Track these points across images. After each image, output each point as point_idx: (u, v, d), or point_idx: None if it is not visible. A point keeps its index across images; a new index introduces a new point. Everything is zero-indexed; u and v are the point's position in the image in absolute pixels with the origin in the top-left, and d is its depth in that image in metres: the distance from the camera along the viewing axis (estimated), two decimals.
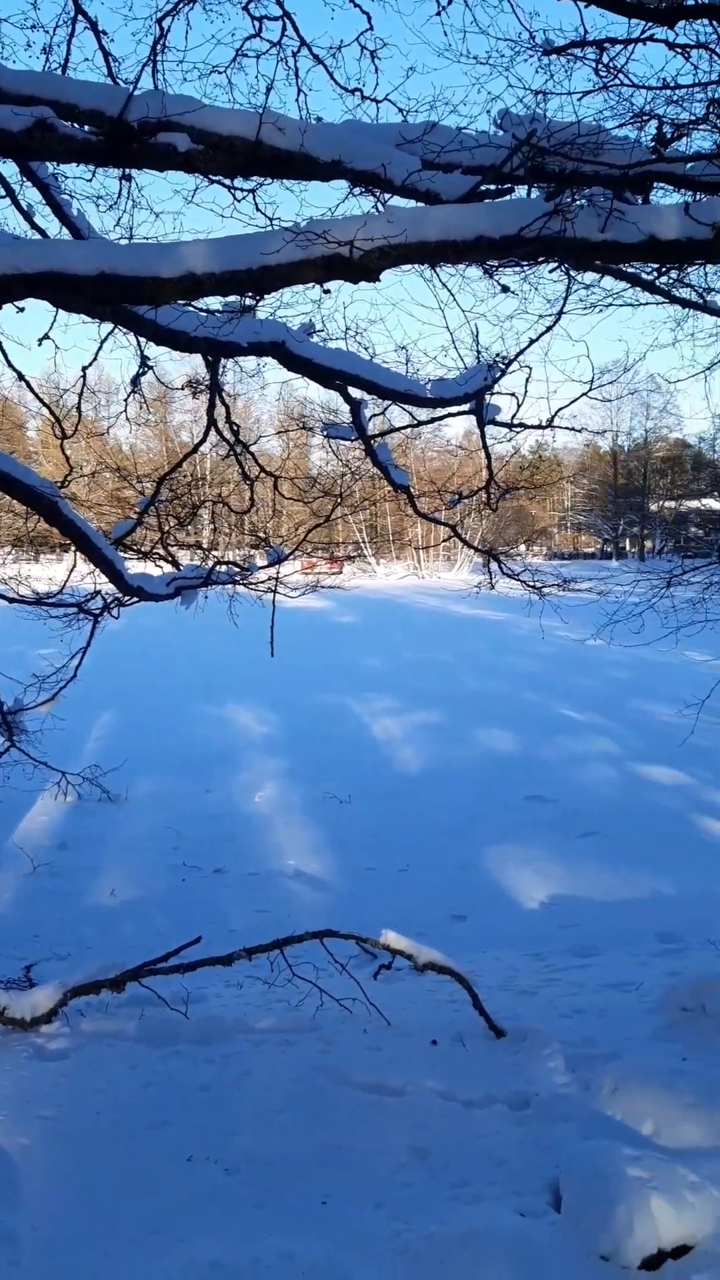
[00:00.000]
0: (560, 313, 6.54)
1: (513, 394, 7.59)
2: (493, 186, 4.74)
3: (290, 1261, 3.39)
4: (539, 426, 7.65)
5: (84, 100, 4.32)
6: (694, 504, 61.86)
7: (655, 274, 5.86)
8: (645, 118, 5.17)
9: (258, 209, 5.93)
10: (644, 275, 5.87)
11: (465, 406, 7.12)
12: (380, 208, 5.06)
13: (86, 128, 4.38)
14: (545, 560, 63.99)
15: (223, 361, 7.11)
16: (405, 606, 44.11)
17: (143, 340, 6.63)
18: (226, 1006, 6.06)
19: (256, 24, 6.04)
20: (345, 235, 3.91)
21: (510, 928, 8.35)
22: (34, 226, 6.52)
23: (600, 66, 4.78)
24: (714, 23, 4.15)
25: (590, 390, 7.40)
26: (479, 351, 6.79)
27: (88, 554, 6.65)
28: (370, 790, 12.81)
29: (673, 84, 5.07)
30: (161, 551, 8.09)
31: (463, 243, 4.06)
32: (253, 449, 8.70)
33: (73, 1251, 3.60)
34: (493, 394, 7.06)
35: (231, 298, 4.97)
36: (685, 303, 6.22)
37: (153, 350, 7.01)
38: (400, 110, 5.75)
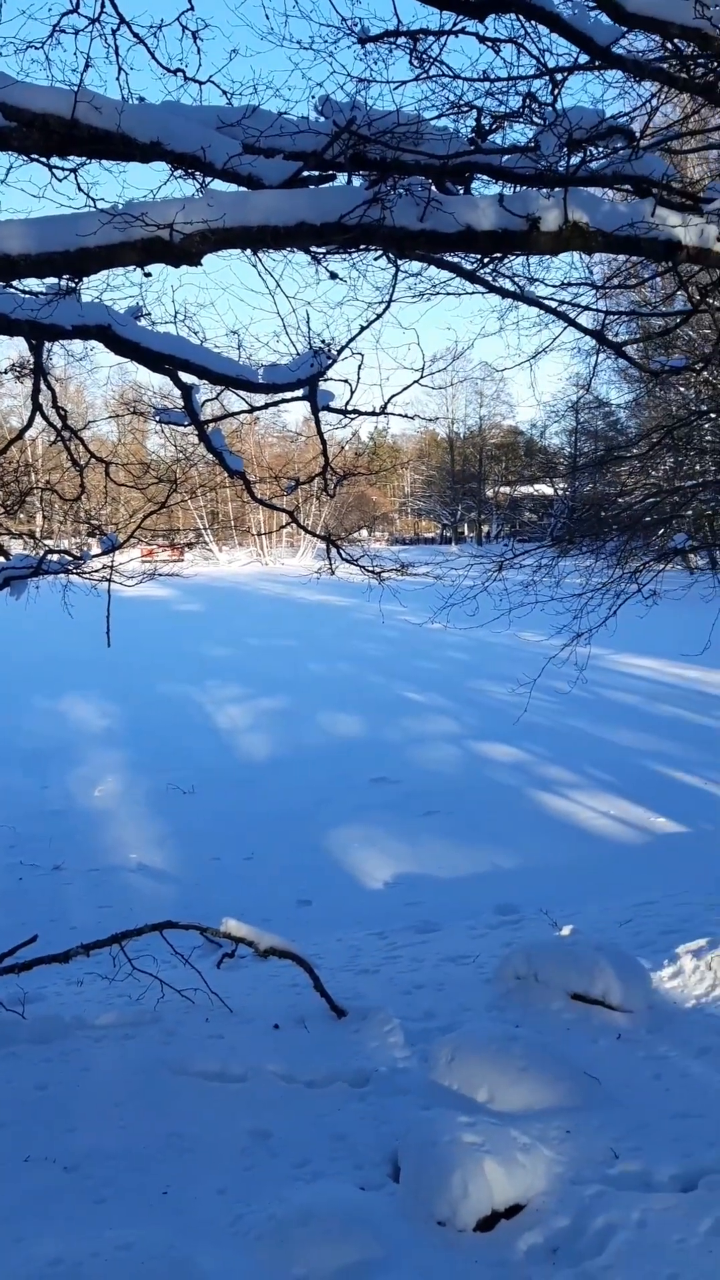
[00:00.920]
0: (389, 300, 6.60)
1: (346, 381, 7.63)
2: (315, 173, 4.75)
3: (129, 1252, 3.37)
4: (372, 414, 7.71)
5: None
6: (527, 489, 63.57)
7: (477, 264, 5.98)
8: (465, 108, 5.28)
9: (79, 189, 5.78)
10: (466, 265, 5.99)
11: (299, 393, 7.12)
12: (201, 192, 5.02)
13: None
14: (387, 545, 64.79)
15: (48, 344, 6.92)
16: (249, 593, 43.96)
17: None
18: (66, 1004, 5.95)
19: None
20: (164, 218, 3.87)
21: (355, 909, 8.46)
22: None
23: (416, 56, 4.84)
24: (521, 17, 4.25)
25: (422, 378, 7.51)
26: (310, 338, 6.81)
27: None
28: (215, 779, 12.75)
29: (491, 76, 5.18)
30: None
31: (284, 228, 4.06)
32: (85, 434, 8.50)
33: None
34: (326, 380, 7.08)
35: (51, 280, 4.84)
36: (505, 293, 6.37)
37: None
38: (224, 93, 5.66)
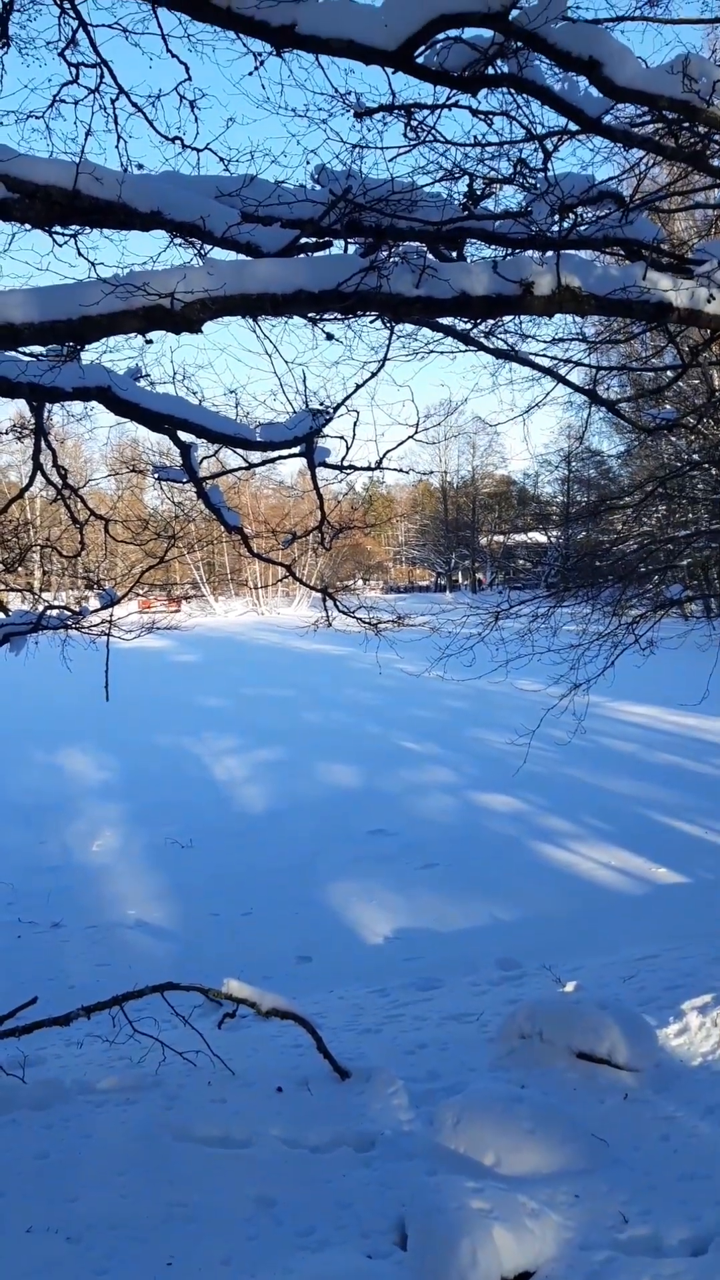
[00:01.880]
0: (384, 360, 6.70)
1: (341, 437, 7.73)
2: (312, 240, 4.85)
3: None
4: (368, 468, 7.79)
5: None
6: (520, 537, 63.99)
7: (471, 325, 6.08)
8: (458, 174, 5.39)
9: (79, 254, 5.89)
10: (460, 326, 6.09)
11: (295, 450, 7.21)
12: (201, 258, 5.11)
13: None
14: (382, 594, 64.99)
15: (48, 405, 7.00)
16: (245, 643, 43.99)
17: None
18: (66, 1068, 5.88)
19: (74, 70, 6.00)
20: (165, 287, 3.94)
21: (355, 965, 8.39)
22: None
23: (411, 127, 4.95)
24: (513, 90, 4.36)
25: (416, 433, 7.59)
26: (306, 397, 6.90)
27: None
28: (213, 832, 12.69)
29: (483, 142, 5.30)
30: None
31: (283, 296, 4.14)
32: (84, 490, 8.57)
33: None
34: (322, 437, 7.17)
35: (53, 346, 4.91)
36: (498, 353, 6.47)
37: None
38: (222, 159, 5.79)
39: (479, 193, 5.16)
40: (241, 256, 4.63)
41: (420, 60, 3.91)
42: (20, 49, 5.92)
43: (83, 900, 10.22)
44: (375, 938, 9.06)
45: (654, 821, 12.58)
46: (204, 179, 4.83)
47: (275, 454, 7.45)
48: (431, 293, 4.19)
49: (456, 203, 4.89)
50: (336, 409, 6.90)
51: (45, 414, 7.09)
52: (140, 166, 5.33)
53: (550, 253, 4.55)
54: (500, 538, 71.64)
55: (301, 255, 4.73)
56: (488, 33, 3.94)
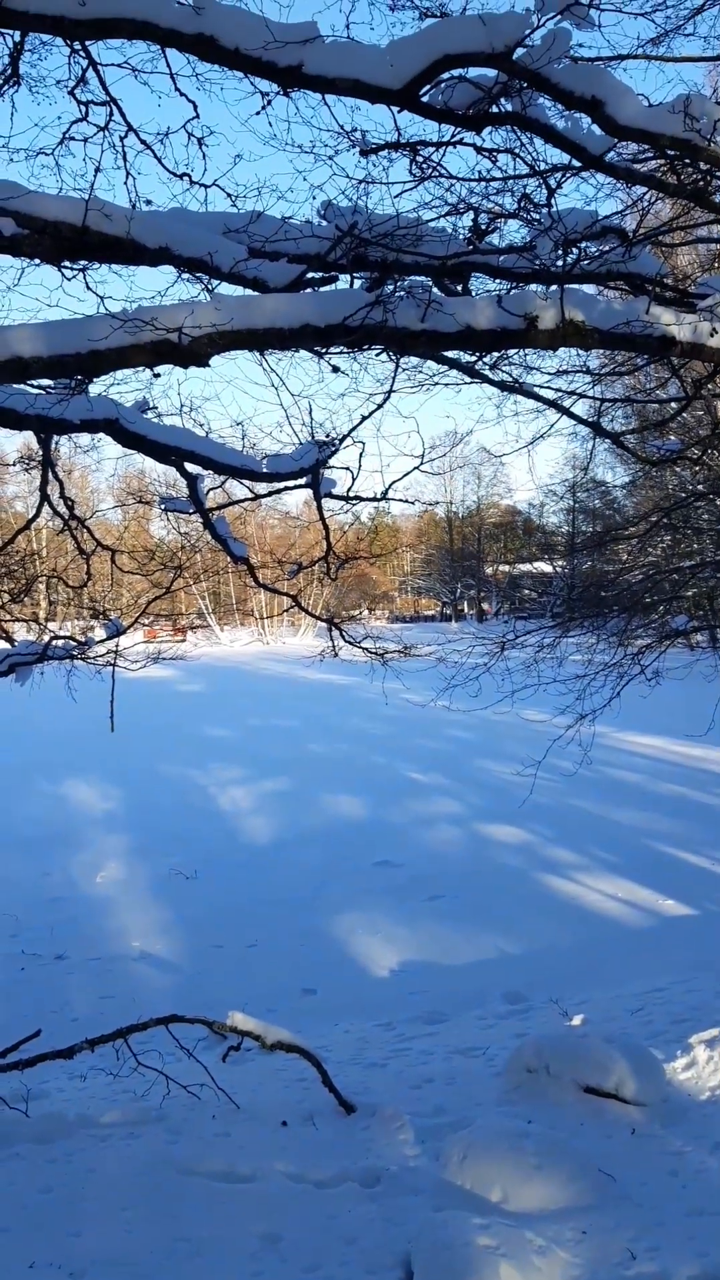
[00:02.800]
0: (389, 392, 6.75)
1: (347, 468, 7.77)
2: (318, 274, 4.91)
3: None
4: (374, 499, 7.83)
5: None
6: (525, 567, 64.11)
7: (475, 358, 6.12)
8: (463, 209, 5.44)
9: (88, 288, 5.97)
10: (464, 359, 6.13)
11: (301, 481, 7.25)
12: (208, 293, 5.17)
13: None
14: (387, 623, 65.02)
15: (55, 437, 7.05)
16: (250, 673, 44.00)
17: None
18: (69, 1101, 5.84)
19: (83, 109, 6.09)
20: (173, 322, 3.98)
21: (360, 997, 8.33)
22: None
23: (416, 163, 5.01)
24: (516, 128, 4.42)
25: (421, 464, 7.64)
26: (312, 429, 6.95)
27: None
28: (218, 863, 12.64)
29: (487, 177, 5.36)
30: None
31: (289, 330, 4.17)
32: (91, 521, 8.62)
33: None
34: (328, 468, 7.22)
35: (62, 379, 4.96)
36: (503, 385, 6.51)
37: None
38: (229, 195, 5.88)
39: (484, 227, 5.22)
40: (249, 291, 4.68)
41: (425, 99, 3.97)
42: (30, 87, 6.02)
43: (87, 932, 10.18)
44: (381, 970, 9.01)
45: (661, 853, 12.52)
46: (212, 215, 4.90)
47: (282, 485, 7.49)
48: (437, 326, 4.23)
49: (461, 237, 4.94)
50: (342, 440, 6.95)
51: (52, 445, 7.15)
52: (148, 203, 5.41)
53: (554, 287, 4.59)
54: (505, 567, 71.81)
55: (308, 290, 4.78)
56: (491, 72, 4.01)
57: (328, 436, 6.95)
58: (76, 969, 9.16)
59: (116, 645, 8.29)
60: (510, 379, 6.58)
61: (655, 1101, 5.31)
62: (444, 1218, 4.12)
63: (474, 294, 5.14)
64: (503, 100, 4.13)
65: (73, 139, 5.99)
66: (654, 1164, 4.75)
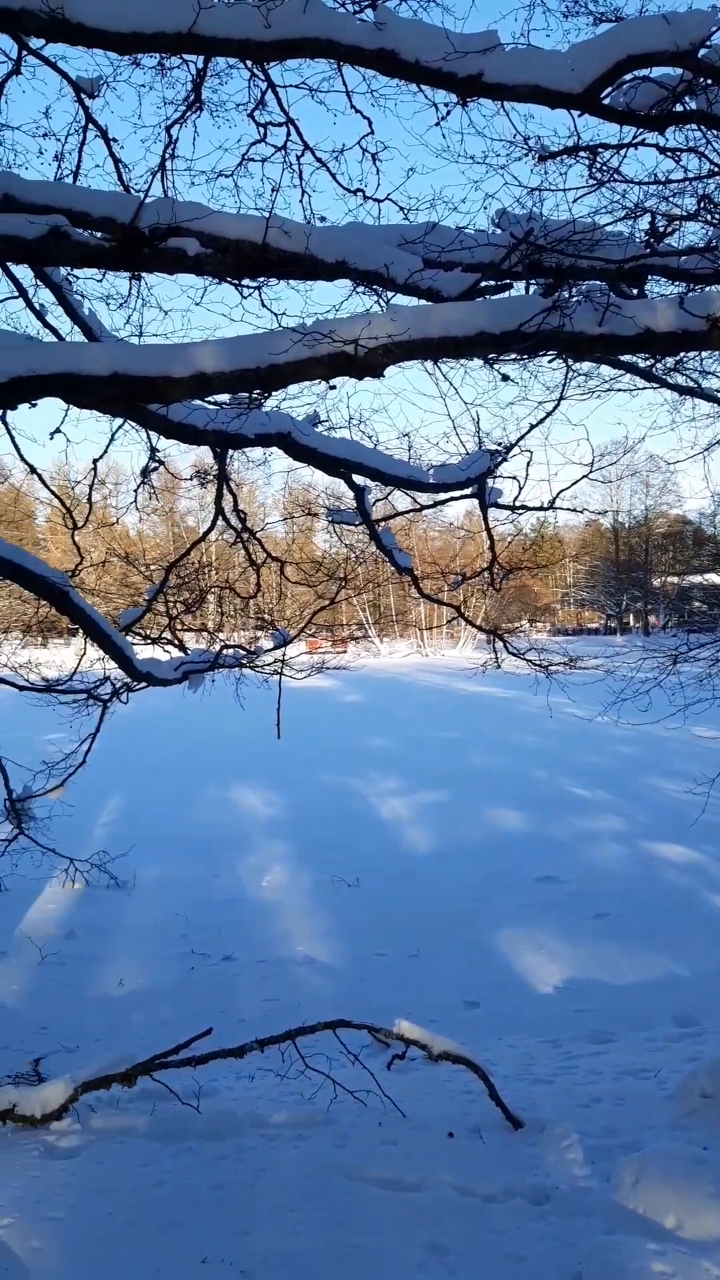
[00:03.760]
0: (560, 399, 6.68)
1: (514, 477, 7.73)
2: (492, 283, 4.90)
3: None
4: (541, 508, 7.76)
5: (96, 208, 4.49)
6: (696, 579, 62.19)
7: (652, 362, 6.00)
8: (639, 213, 5.35)
9: (264, 305, 6.14)
10: (641, 363, 6.01)
11: (467, 491, 7.24)
12: (383, 305, 5.23)
13: (99, 234, 4.56)
14: (549, 636, 64.18)
15: (230, 451, 7.26)
16: (410, 685, 44.13)
17: (153, 434, 6.77)
18: (239, 1100, 5.95)
19: (261, 130, 6.29)
20: (350, 334, 4.04)
21: (524, 1013, 8.22)
22: (46, 326, 6.70)
23: (594, 168, 4.95)
24: (702, 127, 4.32)
25: (591, 473, 7.53)
26: (480, 438, 6.94)
27: (96, 640, 6.72)
28: (378, 872, 12.71)
29: (665, 180, 5.25)
30: (169, 636, 8.17)
31: (464, 339, 4.18)
32: (259, 533, 8.83)
33: None
34: (494, 478, 7.19)
35: (240, 394, 5.10)
36: (680, 389, 6.36)
37: (162, 441, 7.17)
38: (402, 209, 5.96)
39: (662, 230, 5.11)
40: (423, 302, 4.72)
41: (606, 101, 3.92)
42: (212, 112, 6.23)
43: (253, 934, 10.38)
44: (544, 987, 8.87)
45: None
46: (387, 228, 4.96)
47: (448, 495, 7.52)
48: (615, 330, 4.16)
49: (639, 240, 4.86)
50: (510, 449, 6.92)
51: (227, 459, 7.36)
52: (323, 219, 5.53)
53: None
54: (674, 579, 69.89)
55: (482, 298, 4.78)
56: (676, 71, 3.93)
57: (496, 446, 6.93)
58: (244, 970, 9.35)
59: (283, 655, 8.46)
60: (688, 382, 6.42)
61: None
62: (616, 1241, 4.02)
63: (652, 297, 5.04)
64: (686, 99, 4.05)
65: (251, 160, 6.19)
66: None
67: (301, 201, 6.61)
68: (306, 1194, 4.63)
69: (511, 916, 10.81)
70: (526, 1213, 4.49)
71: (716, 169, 4.66)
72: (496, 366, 5.94)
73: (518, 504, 7.56)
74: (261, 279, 5.36)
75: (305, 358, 4.14)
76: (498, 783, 18.87)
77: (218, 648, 8.03)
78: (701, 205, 5.11)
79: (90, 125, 6.47)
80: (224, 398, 5.83)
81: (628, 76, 3.82)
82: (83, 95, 6.14)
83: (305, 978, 9.15)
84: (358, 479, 7.04)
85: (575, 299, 4.34)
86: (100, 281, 6.47)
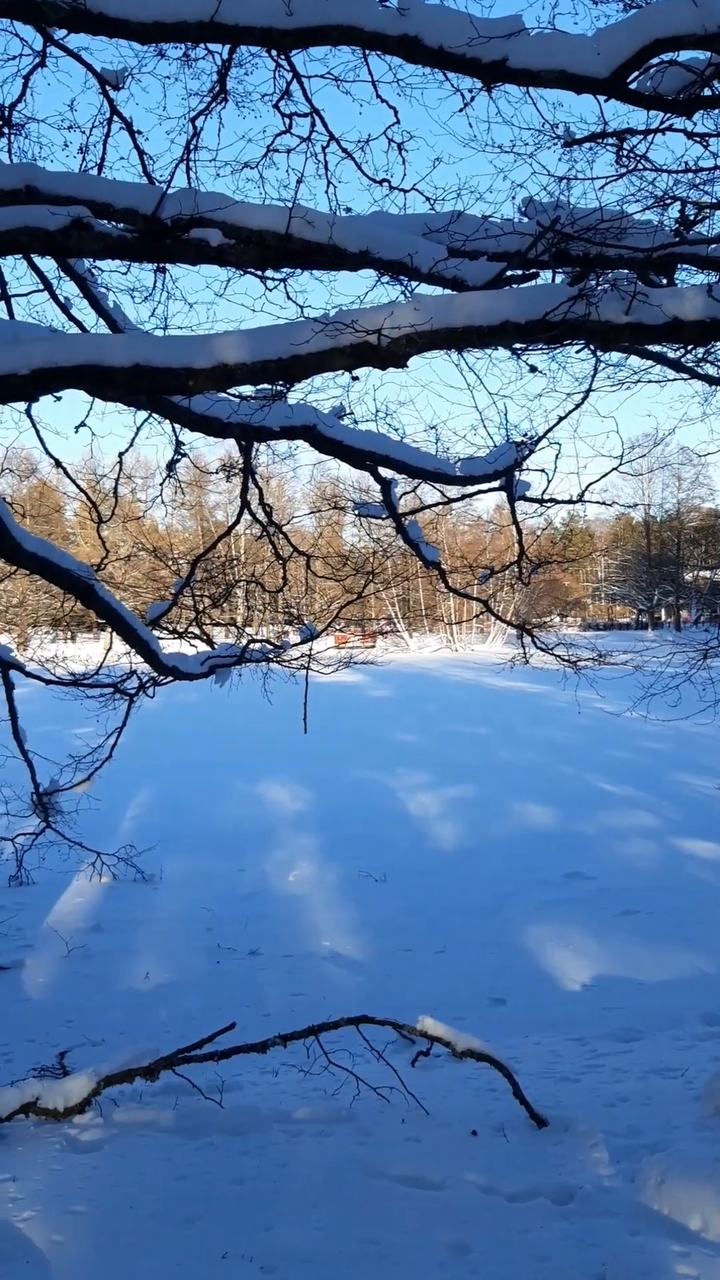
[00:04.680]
0: (588, 391, 6.62)
1: (542, 470, 7.67)
2: (518, 272, 4.84)
3: None
4: (570, 501, 7.70)
5: (119, 199, 4.47)
6: None
7: (682, 352, 5.91)
8: (668, 201, 5.27)
9: (288, 297, 6.12)
10: (670, 354, 5.93)
11: (495, 484, 7.19)
12: (407, 295, 5.18)
13: (122, 225, 4.54)
14: (580, 631, 63.90)
15: (255, 444, 7.24)
16: (438, 680, 44.04)
17: (178, 427, 6.76)
18: (262, 1095, 5.94)
19: (286, 121, 6.25)
20: (373, 324, 3.99)
21: (550, 1011, 8.16)
22: (71, 319, 6.71)
23: (622, 155, 4.88)
24: None
25: (620, 465, 7.47)
26: (507, 430, 6.88)
27: (123, 635, 6.72)
28: (405, 868, 12.67)
29: (694, 167, 5.17)
30: (196, 631, 8.17)
31: (488, 328, 4.12)
32: (286, 527, 8.81)
33: None
34: (522, 470, 7.12)
35: (263, 385, 5.06)
36: (711, 380, 6.27)
37: (187, 435, 7.16)
38: (427, 199, 5.90)
39: (691, 218, 5.03)
40: (447, 291, 4.66)
41: (633, 86, 3.85)
42: (237, 103, 6.20)
43: (279, 929, 10.38)
44: (572, 984, 8.80)
45: None
46: (411, 217, 4.91)
47: (475, 488, 7.46)
48: (642, 319, 4.09)
49: (668, 229, 4.78)
50: (538, 441, 6.85)
51: (253, 452, 7.33)
52: (348, 209, 5.48)
53: None
54: (707, 573, 69.35)
55: (507, 288, 4.72)
56: (704, 54, 3.86)
57: (523, 438, 6.86)
58: (269, 964, 9.35)
59: (310, 649, 8.44)
60: (719, 373, 6.33)
61: None
62: (641, 1242, 3.97)
63: (681, 286, 4.96)
64: (715, 82, 3.97)
65: (276, 150, 6.16)
66: None
67: (327, 192, 6.60)
68: (328, 1190, 4.60)
69: (539, 913, 10.75)
70: (550, 1212, 4.44)
71: None
72: (524, 357, 5.89)
73: (546, 497, 7.50)
74: (285, 270, 5.32)
75: (328, 348, 4.10)
76: (526, 778, 18.79)
77: (245, 642, 8.02)
78: None
79: (115, 117, 6.47)
80: (249, 391, 5.81)
81: (655, 60, 3.75)
82: (107, 87, 6.13)
83: (331, 973, 9.13)
84: (384, 472, 7.00)
85: (602, 288, 4.27)
86: (125, 275, 6.48)
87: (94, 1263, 4.07)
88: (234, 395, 5.82)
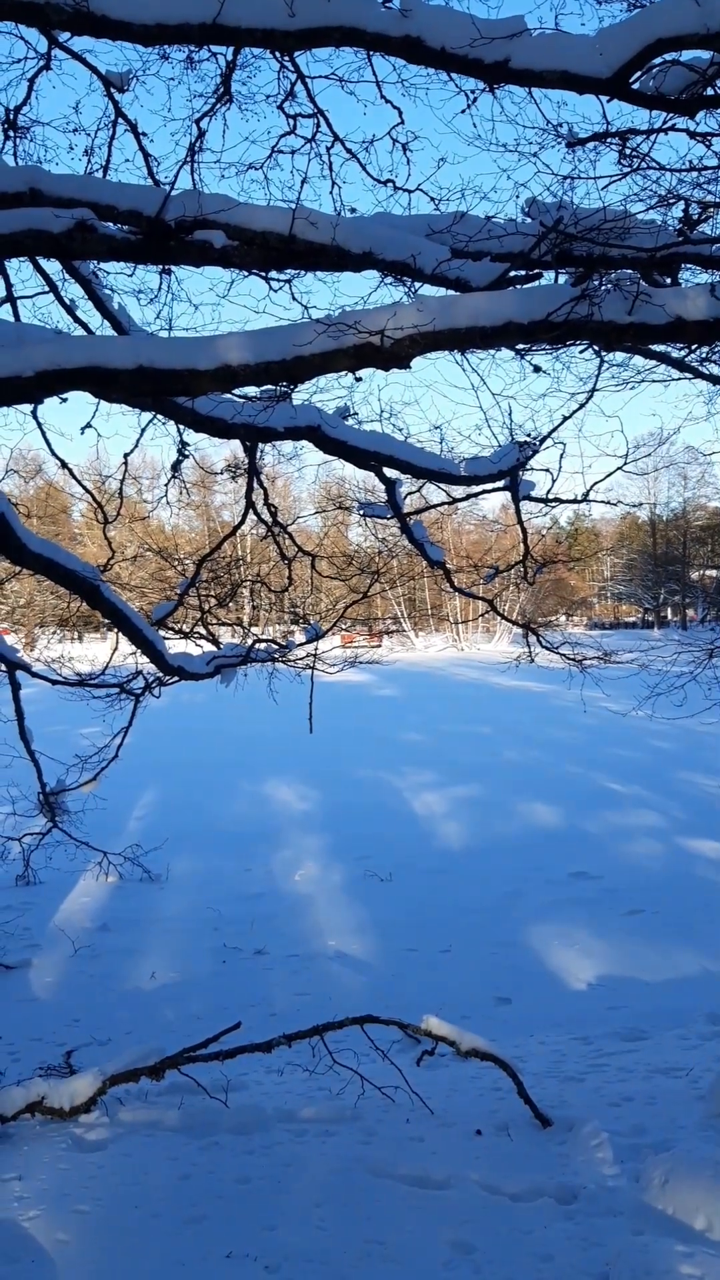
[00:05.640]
0: (592, 391, 6.61)
1: (547, 469, 7.66)
2: (522, 272, 4.85)
3: None
4: (574, 501, 7.70)
5: (122, 201, 4.48)
6: None
7: (686, 352, 5.91)
8: (672, 200, 5.26)
9: (293, 298, 6.12)
10: (674, 354, 5.93)
11: (500, 483, 7.19)
12: (411, 296, 5.18)
13: (126, 227, 4.55)
14: (586, 630, 63.83)
15: (260, 445, 7.25)
16: (444, 679, 44.03)
17: (182, 427, 6.77)
18: (267, 1095, 5.95)
19: (291, 121, 6.26)
20: (376, 325, 4.00)
21: (556, 1010, 8.16)
22: (77, 321, 6.72)
23: (625, 154, 4.88)
24: None
25: (625, 464, 7.45)
26: (511, 430, 6.88)
27: (129, 635, 6.73)
28: (411, 867, 12.68)
29: (698, 166, 5.16)
30: (202, 631, 8.19)
31: (491, 329, 4.13)
32: (291, 528, 8.82)
33: None
34: (527, 470, 7.12)
35: (267, 386, 5.07)
36: (715, 379, 6.26)
37: (192, 436, 7.18)
38: (432, 199, 5.91)
39: (695, 217, 5.02)
40: (451, 292, 4.67)
41: (635, 86, 3.85)
42: (241, 105, 6.21)
43: (284, 928, 10.39)
44: (577, 983, 8.80)
45: None
46: (415, 218, 4.92)
47: (479, 488, 7.46)
48: (645, 319, 4.09)
49: (671, 228, 4.78)
50: (543, 441, 6.85)
51: (258, 453, 7.34)
52: (353, 210, 5.49)
53: None
54: (713, 572, 69.27)
55: (510, 288, 4.72)
56: (706, 54, 3.86)
57: (528, 438, 6.87)
58: (275, 964, 9.36)
59: (315, 649, 8.44)
60: None
61: None
62: (645, 1242, 3.97)
63: (684, 286, 4.96)
64: (718, 82, 3.97)
65: (281, 151, 6.17)
66: None
67: (332, 193, 6.59)
68: (332, 1190, 4.61)
69: (544, 912, 10.75)
70: (554, 1212, 4.45)
71: None
72: (528, 358, 5.88)
73: (551, 496, 7.51)
74: (289, 271, 5.33)
75: (331, 349, 4.10)
76: (531, 778, 18.78)
77: (250, 642, 8.03)
78: None
79: (120, 119, 6.47)
80: (253, 391, 5.82)
81: (657, 60, 3.76)
82: (112, 90, 6.14)
83: (337, 972, 9.14)
84: (389, 472, 7.01)
85: (605, 288, 4.27)
86: (130, 276, 6.49)
87: (99, 1262, 4.08)
88: (238, 396, 5.83)
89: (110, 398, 4.96)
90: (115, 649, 8.29)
